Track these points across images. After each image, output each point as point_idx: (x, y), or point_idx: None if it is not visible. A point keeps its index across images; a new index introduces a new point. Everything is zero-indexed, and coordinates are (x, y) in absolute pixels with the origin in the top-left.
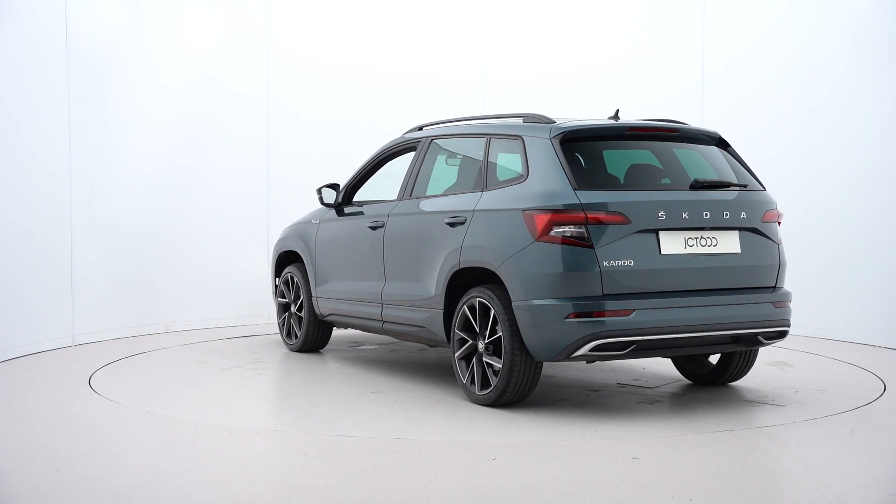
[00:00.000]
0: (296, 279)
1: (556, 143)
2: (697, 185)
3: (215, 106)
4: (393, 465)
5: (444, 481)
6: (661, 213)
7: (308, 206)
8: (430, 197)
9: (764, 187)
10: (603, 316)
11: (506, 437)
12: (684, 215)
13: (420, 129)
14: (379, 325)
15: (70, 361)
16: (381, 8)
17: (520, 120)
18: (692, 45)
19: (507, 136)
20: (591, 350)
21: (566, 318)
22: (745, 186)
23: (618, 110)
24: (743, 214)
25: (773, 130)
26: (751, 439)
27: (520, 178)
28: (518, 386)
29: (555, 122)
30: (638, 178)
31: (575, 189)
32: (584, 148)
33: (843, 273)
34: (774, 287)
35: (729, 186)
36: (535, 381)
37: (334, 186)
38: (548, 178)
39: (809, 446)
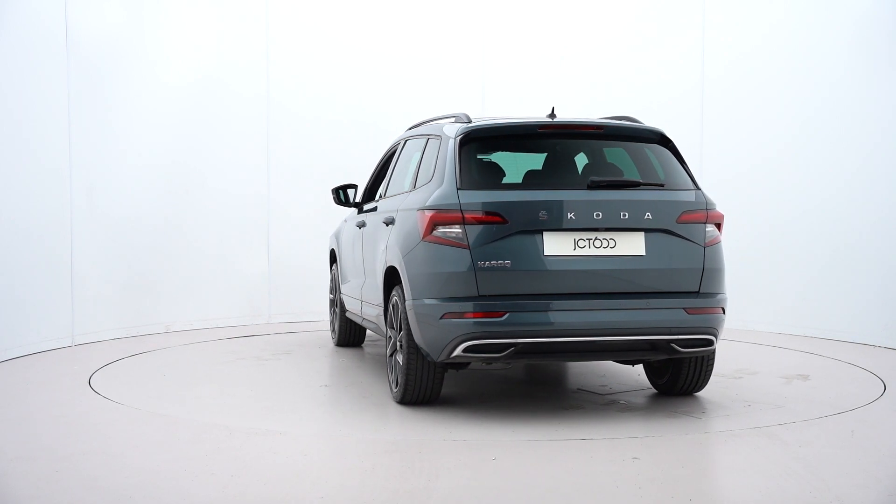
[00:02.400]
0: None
1: (456, 143)
2: (594, 185)
3: (215, 105)
4: (393, 465)
5: (444, 481)
6: (543, 213)
7: (308, 206)
8: (390, 197)
9: (697, 187)
10: (474, 317)
11: (506, 437)
12: (570, 216)
13: (417, 126)
14: (362, 321)
15: (70, 361)
16: (382, 8)
17: (452, 119)
18: (692, 45)
19: (434, 137)
20: (465, 351)
21: (441, 318)
22: (662, 186)
23: (553, 108)
24: (648, 215)
25: (773, 131)
26: (751, 439)
27: (429, 179)
28: (417, 385)
29: (470, 123)
30: (534, 178)
31: (458, 189)
32: (489, 148)
33: (843, 273)
34: (697, 292)
35: (634, 186)
36: (436, 382)
37: (348, 187)
38: (442, 179)
39: (809, 446)
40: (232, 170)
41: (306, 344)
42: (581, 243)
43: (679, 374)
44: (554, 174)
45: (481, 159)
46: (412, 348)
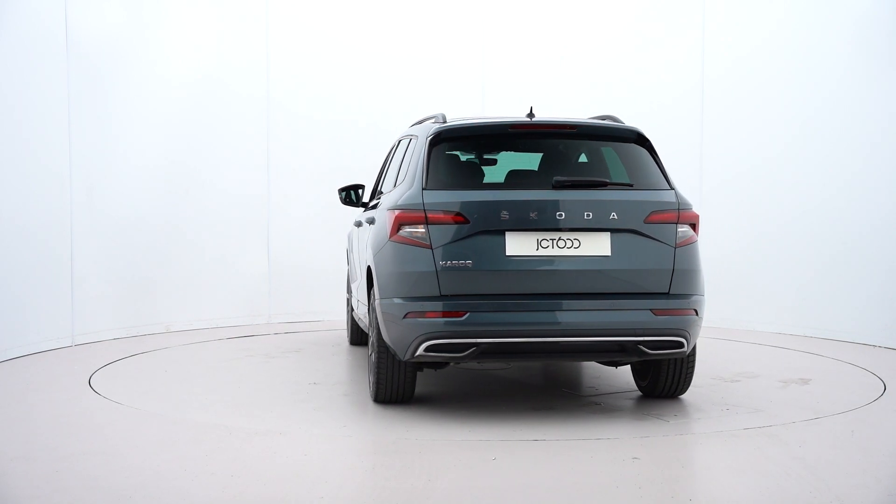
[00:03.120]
0: None
1: (426, 144)
2: (559, 185)
3: (215, 105)
4: (393, 465)
5: (444, 481)
6: (505, 213)
7: (308, 205)
8: (382, 196)
9: (671, 187)
10: (434, 316)
11: (505, 437)
12: (532, 216)
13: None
14: (359, 321)
15: (70, 361)
16: (382, 8)
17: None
18: (692, 45)
19: (414, 137)
20: (427, 350)
21: (404, 317)
22: (630, 185)
23: (532, 108)
24: (613, 215)
25: (773, 131)
26: (751, 439)
27: (404, 179)
28: (389, 384)
29: (444, 123)
30: (495, 178)
31: (423, 189)
32: (461, 148)
33: (843, 273)
34: (667, 293)
35: (600, 186)
36: (408, 380)
37: (355, 187)
38: (413, 179)
39: (809, 446)
40: (232, 170)
41: (306, 344)
42: (544, 243)
43: (659, 377)
44: (522, 174)
45: (451, 160)
46: (382, 347)
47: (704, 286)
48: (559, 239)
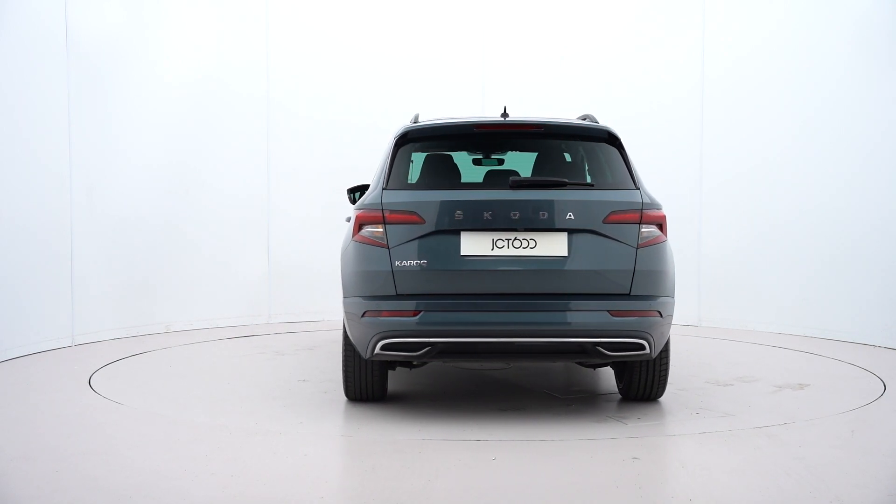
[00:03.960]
0: None
1: (393, 144)
2: (515, 185)
3: (215, 105)
4: (393, 465)
5: (444, 481)
6: (459, 213)
7: (308, 205)
8: None
9: (637, 187)
10: (389, 316)
11: (506, 437)
12: (487, 216)
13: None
14: None
15: (70, 361)
16: (382, 8)
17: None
18: (692, 46)
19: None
20: (382, 349)
21: (363, 316)
22: (591, 185)
23: (505, 107)
24: (570, 215)
25: (773, 131)
26: (751, 439)
27: (375, 179)
28: (356, 381)
29: (415, 124)
30: (456, 178)
31: (384, 189)
32: (427, 149)
33: (843, 273)
34: (628, 294)
35: (558, 186)
36: (375, 378)
37: (363, 188)
38: (377, 179)
39: (809, 446)
40: (232, 170)
41: (306, 343)
42: (500, 243)
43: (632, 380)
44: (479, 174)
45: (415, 160)
46: (348, 345)
47: (673, 288)
48: (515, 239)
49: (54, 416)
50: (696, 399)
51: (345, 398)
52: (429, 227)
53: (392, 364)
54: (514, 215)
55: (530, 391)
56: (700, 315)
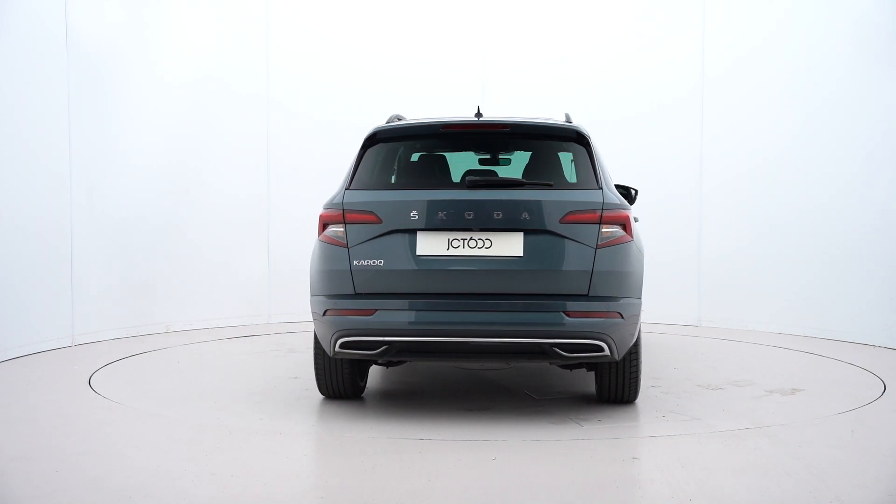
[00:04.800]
0: None
1: (362, 144)
2: (472, 184)
3: (215, 105)
4: (393, 465)
5: (444, 481)
6: (414, 213)
7: (308, 205)
8: None
9: (599, 187)
10: (346, 314)
11: (506, 437)
12: (442, 216)
13: None
14: None
15: (70, 361)
16: (382, 8)
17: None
18: (692, 46)
19: None
20: (341, 347)
21: (324, 314)
22: (549, 185)
23: (479, 107)
24: (526, 215)
25: (773, 131)
26: (751, 439)
27: None
28: (326, 379)
29: (390, 124)
30: (419, 178)
31: (347, 189)
32: (393, 148)
33: (843, 273)
34: (586, 295)
35: (515, 185)
36: (345, 376)
37: None
38: (344, 179)
39: (809, 446)
40: (232, 170)
41: (306, 344)
42: (455, 243)
43: (602, 382)
44: (443, 173)
45: (382, 160)
46: (318, 343)
47: (638, 289)
48: (470, 239)
49: (54, 416)
50: (673, 402)
51: (347, 399)
52: (386, 226)
53: (365, 363)
54: (469, 215)
55: (510, 391)
56: (700, 315)
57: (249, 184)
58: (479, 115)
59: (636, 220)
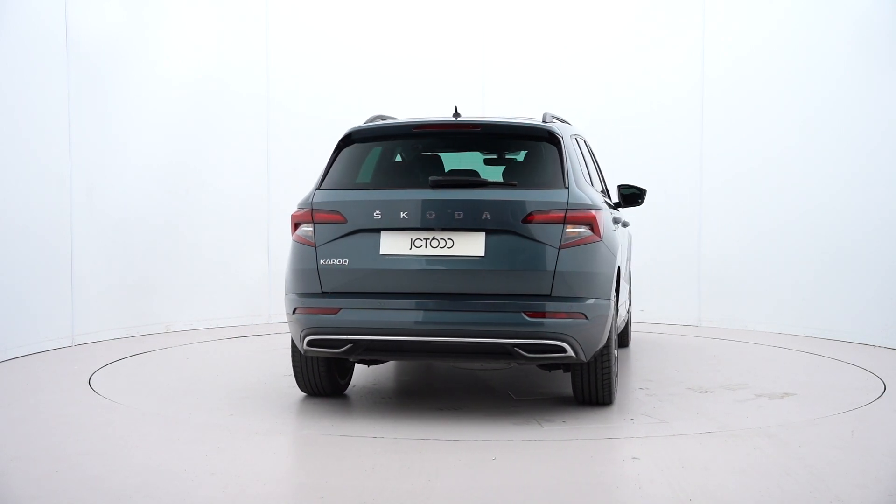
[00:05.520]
0: None
1: (336, 144)
2: (436, 184)
3: (215, 105)
4: (393, 465)
5: (444, 481)
6: (377, 212)
7: None
8: None
9: (566, 186)
10: (312, 312)
11: (506, 437)
12: (404, 215)
13: None
14: None
15: (70, 361)
16: (382, 8)
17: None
18: (692, 46)
19: None
20: (309, 345)
21: (294, 312)
22: (514, 185)
23: (456, 107)
24: (487, 215)
25: (773, 131)
26: (751, 439)
27: None
28: (302, 376)
29: (368, 124)
30: (386, 178)
31: (317, 189)
32: (367, 148)
33: (843, 273)
34: (548, 296)
35: (478, 185)
36: (322, 373)
37: None
38: (317, 179)
39: (809, 446)
40: (232, 170)
41: None
42: (418, 243)
43: (574, 384)
44: (410, 174)
45: (355, 160)
46: (293, 340)
47: (608, 289)
48: (433, 238)
49: (54, 416)
50: (652, 405)
51: (347, 399)
52: (351, 226)
53: (344, 361)
54: (431, 215)
55: (493, 391)
56: (700, 315)
57: (249, 184)
58: (456, 115)
59: (624, 223)
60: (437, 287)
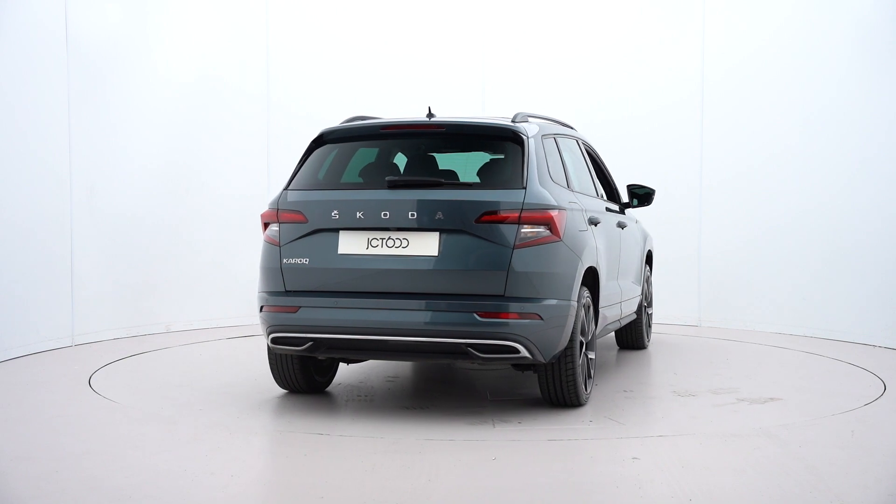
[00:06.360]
0: None
1: (308, 145)
2: (392, 184)
3: (215, 105)
4: (393, 465)
5: (444, 481)
6: (335, 212)
7: None
8: None
9: (524, 186)
10: (275, 311)
11: (506, 437)
12: (359, 215)
13: None
14: None
15: (70, 361)
16: (382, 8)
17: None
18: (692, 47)
19: None
20: (273, 342)
21: (261, 310)
22: (469, 185)
23: (430, 107)
24: (440, 215)
25: (773, 132)
26: (751, 439)
27: None
28: (278, 371)
29: (343, 125)
30: (347, 178)
31: (285, 189)
32: (337, 149)
33: (843, 273)
34: (502, 296)
35: (433, 185)
36: (297, 369)
37: None
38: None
39: (809, 446)
40: (232, 169)
41: None
42: (374, 242)
43: (541, 385)
44: (372, 174)
45: (324, 161)
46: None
47: (566, 290)
48: (388, 238)
49: (54, 416)
50: (623, 407)
51: (347, 399)
52: (311, 225)
53: (316, 358)
54: (386, 215)
55: (473, 391)
56: (700, 315)
57: (249, 184)
58: (430, 115)
59: (621, 223)
60: (392, 287)
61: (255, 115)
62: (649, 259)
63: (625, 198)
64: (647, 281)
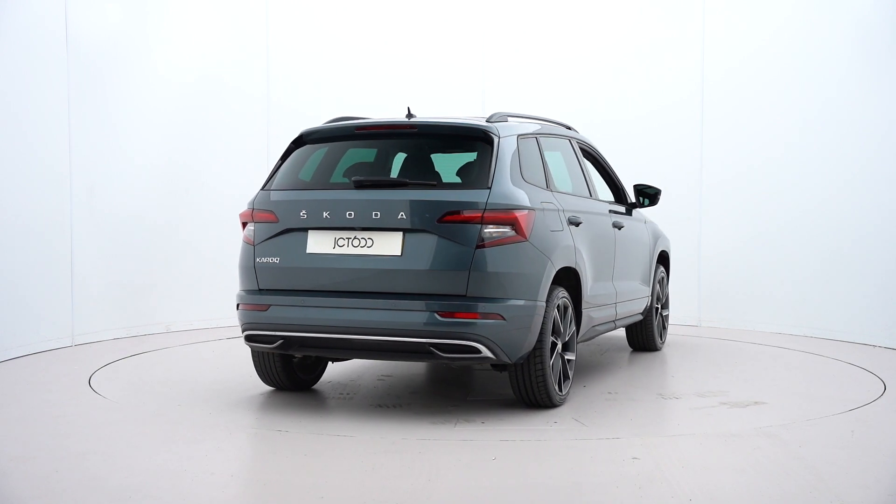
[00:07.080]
0: None
1: (289, 145)
2: (358, 184)
3: (215, 105)
4: (393, 465)
5: (444, 481)
6: (303, 212)
7: None
8: None
9: (488, 186)
10: (247, 309)
11: (506, 437)
12: (325, 215)
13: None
14: None
15: (70, 361)
16: (382, 8)
17: None
18: (692, 48)
19: None
20: (246, 340)
21: (237, 308)
22: (433, 185)
23: (409, 107)
24: (402, 214)
25: (773, 132)
26: (751, 439)
27: None
28: (261, 368)
29: (314, 127)
30: (318, 178)
31: (262, 189)
32: (315, 149)
33: (843, 273)
34: (464, 296)
35: (398, 185)
36: (278, 366)
37: None
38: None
39: (809, 446)
40: (232, 169)
41: None
42: (340, 242)
43: (512, 385)
44: (342, 174)
45: (303, 161)
46: None
47: (532, 290)
48: (354, 238)
49: (54, 416)
50: (596, 410)
51: (349, 399)
52: (282, 225)
53: (304, 357)
54: (351, 215)
55: (453, 390)
56: (700, 315)
57: (249, 183)
58: (409, 115)
59: (617, 224)
60: (357, 286)
61: (255, 115)
62: (664, 260)
63: (632, 198)
64: (661, 282)
